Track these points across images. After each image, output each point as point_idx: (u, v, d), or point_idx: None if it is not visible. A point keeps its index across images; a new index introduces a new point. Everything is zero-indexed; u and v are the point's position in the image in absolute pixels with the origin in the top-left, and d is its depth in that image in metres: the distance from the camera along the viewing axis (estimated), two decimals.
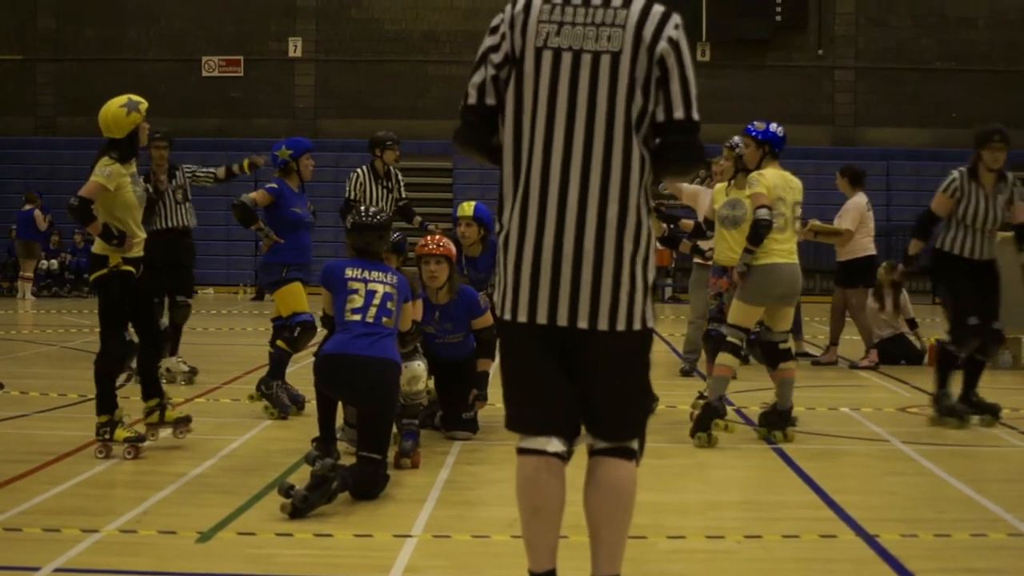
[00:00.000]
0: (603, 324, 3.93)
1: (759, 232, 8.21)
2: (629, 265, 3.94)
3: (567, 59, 3.94)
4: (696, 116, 3.95)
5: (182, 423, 7.96)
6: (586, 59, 3.93)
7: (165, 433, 7.94)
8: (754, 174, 8.48)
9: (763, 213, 8.20)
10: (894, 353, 13.32)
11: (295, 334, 9.18)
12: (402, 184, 11.37)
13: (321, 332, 7.77)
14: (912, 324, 13.55)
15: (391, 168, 11.19)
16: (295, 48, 27.73)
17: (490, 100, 4.04)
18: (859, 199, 13.14)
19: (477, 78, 4.05)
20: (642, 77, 3.91)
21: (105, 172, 7.43)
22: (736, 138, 11.69)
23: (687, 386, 10.81)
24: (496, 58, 4.02)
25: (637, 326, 3.96)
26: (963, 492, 6.91)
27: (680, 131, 3.94)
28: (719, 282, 9.56)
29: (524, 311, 3.98)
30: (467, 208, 9.07)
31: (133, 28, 27.72)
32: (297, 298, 9.36)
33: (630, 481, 4.03)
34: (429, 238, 8.22)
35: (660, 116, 3.94)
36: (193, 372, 10.97)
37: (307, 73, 27.78)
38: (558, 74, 3.94)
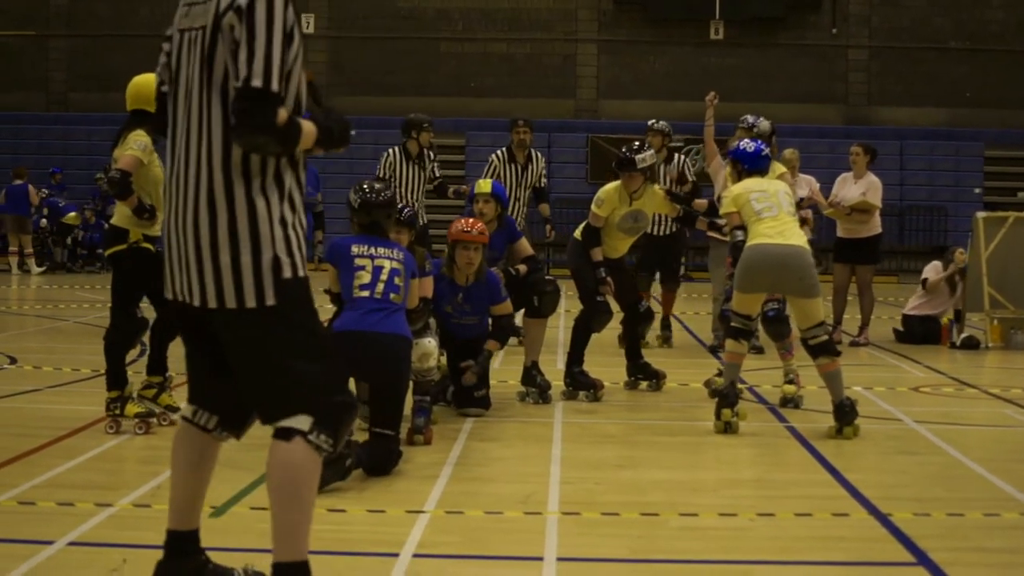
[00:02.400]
0: (212, 302, 3.92)
1: (735, 254, 8.31)
2: (248, 242, 3.88)
3: (181, 40, 4.03)
4: (257, 83, 3.77)
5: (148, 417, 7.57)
6: (188, 38, 4.00)
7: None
8: (723, 194, 8.70)
9: (739, 234, 8.27)
10: (918, 332, 13.24)
11: None
12: (436, 163, 11.85)
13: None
14: None
15: (424, 148, 11.62)
16: (307, 24, 27.66)
17: (164, 87, 4.19)
18: (875, 177, 13.11)
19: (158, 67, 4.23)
20: (222, 50, 3.88)
21: (140, 145, 7.45)
22: (748, 117, 11.65)
23: (698, 365, 10.80)
24: (166, 46, 4.16)
25: (251, 303, 3.88)
26: (976, 471, 6.90)
27: (240, 98, 3.79)
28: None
29: (167, 287, 4.08)
30: (485, 185, 9.05)
31: (146, 4, 27.66)
32: None
33: (285, 463, 3.89)
34: (465, 222, 8.25)
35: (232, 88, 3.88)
36: None
37: (319, 50, 27.73)
38: (176, 56, 4.05)
